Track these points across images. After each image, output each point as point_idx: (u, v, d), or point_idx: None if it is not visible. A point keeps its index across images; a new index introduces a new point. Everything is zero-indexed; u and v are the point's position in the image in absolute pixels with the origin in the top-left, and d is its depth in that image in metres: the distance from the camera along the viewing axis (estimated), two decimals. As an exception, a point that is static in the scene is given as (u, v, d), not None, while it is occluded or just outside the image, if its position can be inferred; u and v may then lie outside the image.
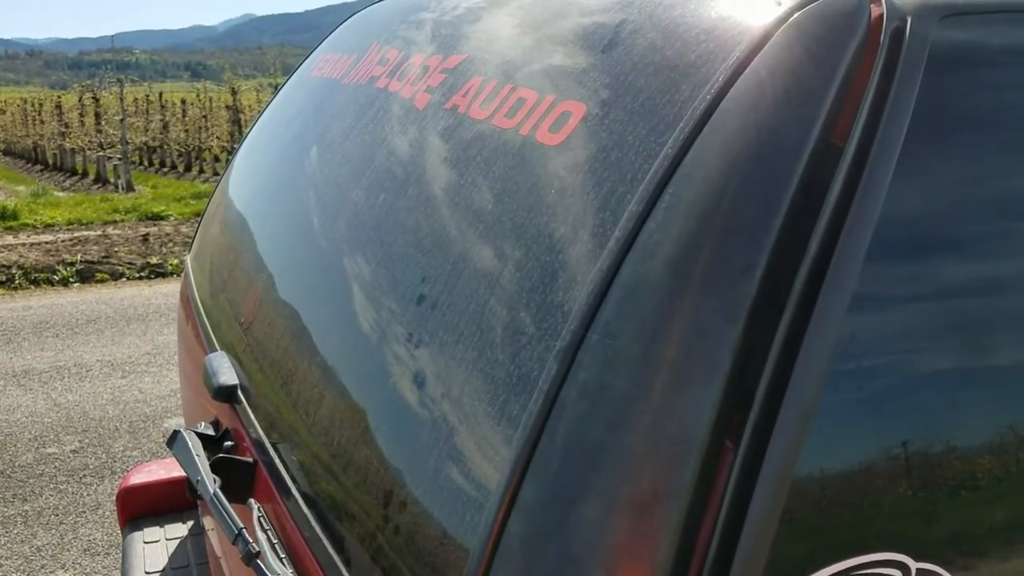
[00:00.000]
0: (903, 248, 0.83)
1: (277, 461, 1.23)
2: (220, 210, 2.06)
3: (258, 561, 1.04)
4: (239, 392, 1.42)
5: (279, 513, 1.19)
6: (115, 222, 12.30)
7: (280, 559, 1.05)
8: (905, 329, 0.83)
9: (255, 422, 1.34)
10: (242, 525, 1.09)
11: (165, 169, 27.08)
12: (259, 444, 1.31)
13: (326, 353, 1.25)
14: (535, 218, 0.94)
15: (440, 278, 1.02)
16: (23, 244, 10.40)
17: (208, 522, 1.92)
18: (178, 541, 2.25)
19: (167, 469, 2.43)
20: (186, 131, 26.64)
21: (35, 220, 12.00)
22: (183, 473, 2.38)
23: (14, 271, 9.27)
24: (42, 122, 29.72)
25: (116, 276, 9.47)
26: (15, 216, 12.24)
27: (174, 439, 1.32)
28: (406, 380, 1.00)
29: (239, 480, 1.28)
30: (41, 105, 30.43)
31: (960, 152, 0.87)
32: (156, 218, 12.50)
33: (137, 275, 9.49)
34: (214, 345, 1.65)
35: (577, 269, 0.86)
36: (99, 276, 9.43)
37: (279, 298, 1.47)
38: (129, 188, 18.67)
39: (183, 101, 28.71)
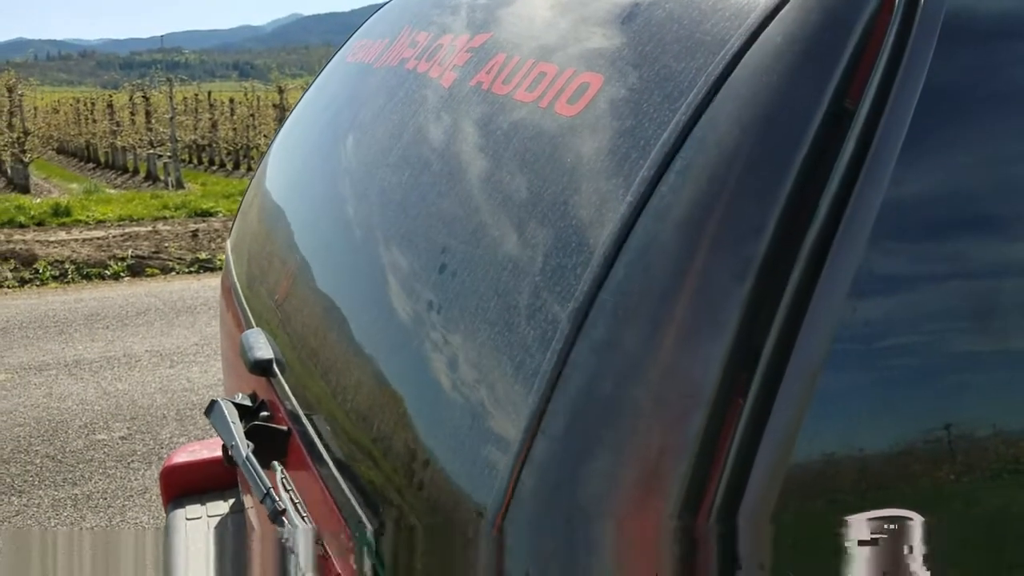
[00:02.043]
0: (911, 214, 0.84)
1: (310, 429, 1.27)
2: (257, 195, 2.11)
3: (283, 517, 1.08)
4: (274, 365, 1.46)
5: (310, 476, 1.23)
6: (165, 218, 12.53)
7: (303, 517, 1.09)
8: (913, 291, 0.84)
9: (289, 393, 1.38)
10: (271, 485, 1.13)
11: (214, 167, 27.52)
12: (292, 414, 1.35)
13: (354, 324, 1.28)
14: (552, 186, 0.96)
15: (461, 246, 1.05)
16: (76, 240, 10.64)
17: (249, 500, 1.97)
18: (219, 518, 2.31)
19: (210, 449, 2.49)
20: (234, 129, 27.05)
21: (87, 216, 12.27)
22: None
23: (67, 266, 9.50)
24: (94, 121, 30.36)
25: (166, 271, 9.65)
26: (68, 212, 12.53)
27: (212, 408, 1.37)
28: (428, 345, 1.03)
29: (273, 447, 1.32)
30: (93, 104, 31.08)
31: (973, 123, 0.87)
32: (205, 214, 12.70)
33: (186, 270, 9.66)
34: (251, 323, 1.70)
35: (591, 233, 0.88)
36: (149, 271, 9.62)
37: (311, 275, 1.52)
38: (179, 185, 19.00)
39: (231, 100, 29.16)
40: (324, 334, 1.36)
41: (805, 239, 0.80)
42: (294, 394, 1.37)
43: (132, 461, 4.58)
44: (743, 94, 0.85)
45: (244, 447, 1.23)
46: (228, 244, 2.26)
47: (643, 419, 0.79)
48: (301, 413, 1.32)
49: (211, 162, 28.30)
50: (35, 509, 4.11)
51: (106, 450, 4.72)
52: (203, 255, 10.08)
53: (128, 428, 5.02)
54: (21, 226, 11.72)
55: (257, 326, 1.64)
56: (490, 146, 1.10)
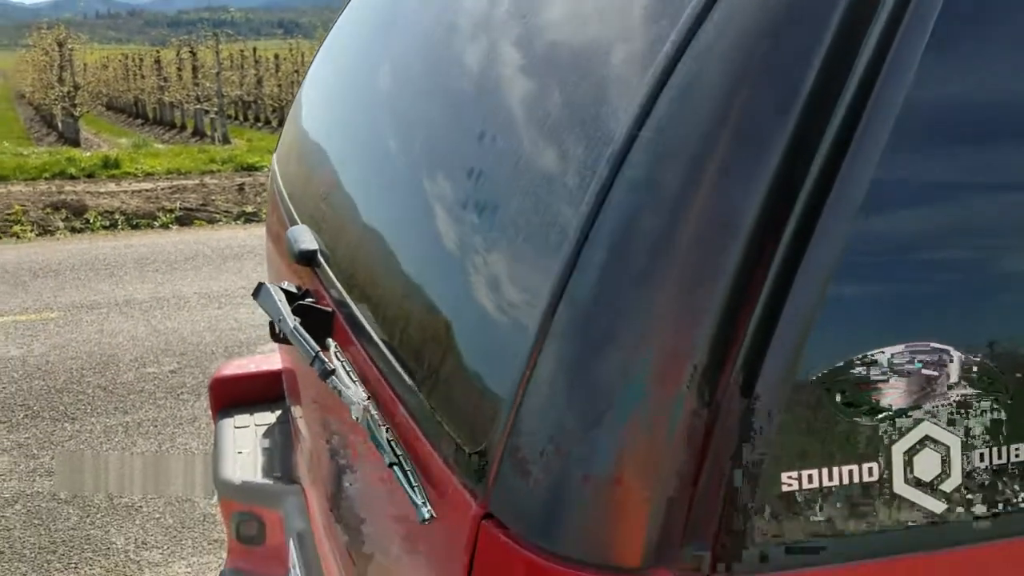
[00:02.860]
0: (931, 111, 0.82)
1: (353, 309, 1.30)
2: (298, 107, 2.15)
3: (333, 377, 1.11)
4: (318, 255, 1.49)
5: (354, 353, 1.26)
6: (212, 172, 12.69)
7: (351, 379, 1.12)
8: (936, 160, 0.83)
9: (333, 280, 1.41)
10: (319, 349, 1.16)
11: (259, 123, 27.72)
12: (336, 300, 1.38)
13: (392, 215, 1.31)
14: (595, 32, 0.96)
15: (500, 108, 1.06)
16: (125, 191, 10.83)
17: (296, 410, 2.01)
18: (266, 427, 2.36)
19: (257, 364, 2.55)
20: (279, 86, 27.16)
21: (136, 169, 12.46)
22: (272, 367, 2.51)
23: (117, 216, 9.68)
24: (142, 77, 30.67)
25: (213, 222, 9.79)
26: (117, 165, 12.74)
27: (259, 289, 1.40)
28: (467, 207, 1.05)
29: (317, 327, 1.35)
30: (141, 60, 31.38)
31: (1004, 21, 0.85)
32: (251, 169, 12.84)
33: (233, 222, 9.80)
34: (296, 222, 1.73)
35: (632, 75, 0.88)
36: (197, 223, 9.77)
37: (349, 175, 1.55)
38: (225, 141, 19.18)
39: (276, 56, 29.25)
40: (364, 230, 1.40)
41: (853, 70, 0.80)
42: (337, 280, 1.39)
43: (181, 393, 4.69)
44: None
45: (291, 319, 1.26)
46: (273, 157, 2.29)
47: (680, 254, 0.80)
48: (344, 296, 1.34)
49: (256, 118, 28.49)
50: (87, 435, 4.24)
51: (156, 382, 4.84)
52: (249, 208, 10.21)
53: (177, 363, 5.13)
54: (72, 178, 11.94)
55: (301, 222, 1.67)
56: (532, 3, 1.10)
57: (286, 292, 1.43)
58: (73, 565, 3.23)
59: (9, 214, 9.43)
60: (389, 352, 1.14)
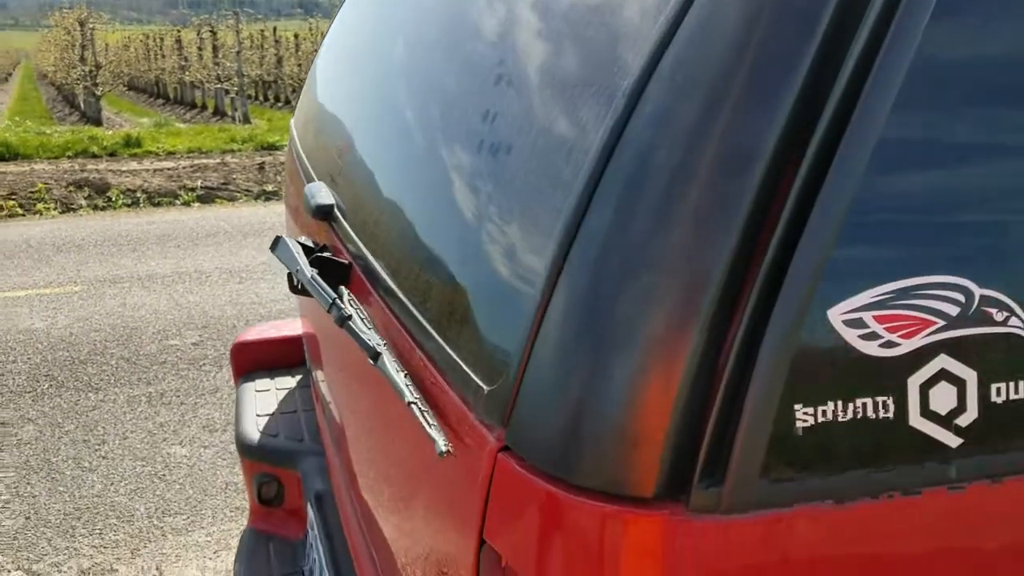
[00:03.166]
0: (953, 37, 0.81)
1: (370, 260, 1.31)
2: (314, 71, 2.16)
3: (350, 323, 1.11)
4: (335, 210, 1.50)
5: (371, 303, 1.27)
6: (233, 151, 12.73)
7: (367, 325, 1.13)
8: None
9: (350, 232, 1.41)
10: (336, 296, 1.17)
11: (280, 103, 27.75)
12: (352, 253, 1.39)
13: (405, 165, 1.32)
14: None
15: (516, 52, 1.06)
16: (147, 170, 10.89)
17: (317, 374, 2.03)
18: (287, 391, 2.38)
19: (278, 329, 2.57)
20: (299, 66, 27.15)
21: (158, 148, 12.52)
22: (292, 333, 2.53)
23: (139, 195, 9.74)
24: (163, 56, 30.76)
25: (233, 201, 9.84)
26: (139, 143, 12.80)
27: (276, 242, 1.41)
28: (482, 149, 1.05)
29: (334, 278, 1.35)
30: (162, 40, 31.46)
31: None
32: (271, 148, 12.87)
33: (254, 201, 9.84)
34: (313, 179, 1.74)
35: (650, 7, 0.88)
36: (218, 201, 9.82)
37: (363, 128, 1.55)
38: (246, 120, 19.22)
39: (296, 36, 29.24)
40: (377, 179, 1.40)
41: (872, 1, 0.79)
42: (353, 232, 1.40)
43: (204, 364, 4.74)
44: None
45: (309, 269, 1.27)
46: (292, 121, 2.30)
47: (696, 187, 0.80)
48: (361, 247, 1.35)
49: (276, 98, 28.52)
50: (111, 404, 4.29)
51: (179, 354, 4.88)
52: (269, 187, 10.24)
53: (199, 335, 5.17)
54: (94, 156, 12.02)
55: (318, 179, 1.68)
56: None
57: (303, 246, 1.44)
58: (97, 531, 3.27)
59: (32, 192, 9.51)
60: (406, 298, 1.15)
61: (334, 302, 1.15)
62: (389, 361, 1.06)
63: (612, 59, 0.89)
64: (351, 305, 1.21)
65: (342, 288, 1.23)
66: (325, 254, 1.45)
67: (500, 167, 1.00)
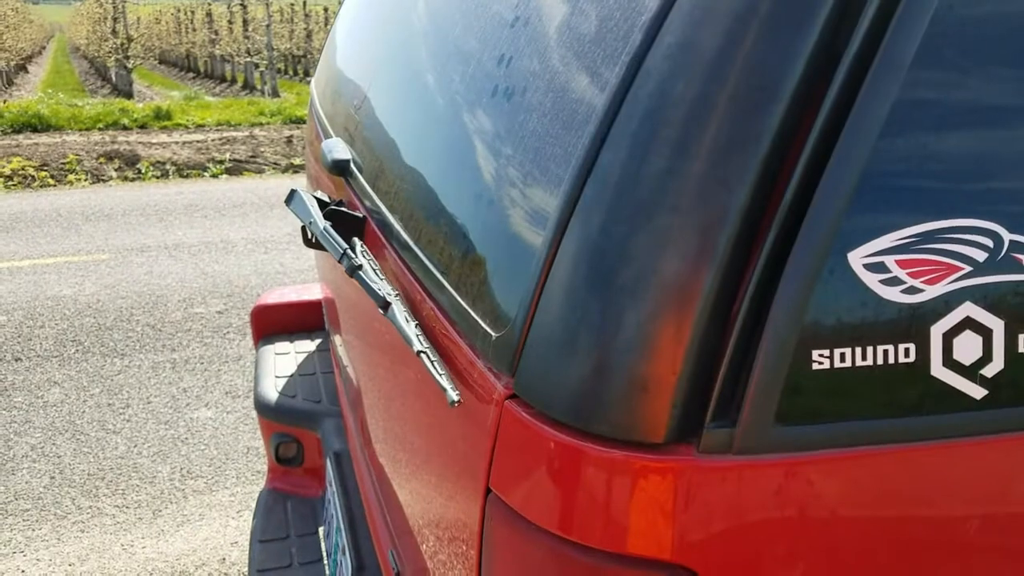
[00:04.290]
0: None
1: (384, 213, 1.29)
2: (334, 31, 2.14)
3: (360, 272, 1.10)
4: (351, 165, 1.48)
5: (385, 256, 1.25)
6: (261, 124, 12.76)
7: (378, 276, 1.11)
8: None
9: (364, 186, 1.40)
10: (347, 246, 1.15)
11: (308, 78, 27.76)
12: (368, 207, 1.37)
13: (419, 115, 1.29)
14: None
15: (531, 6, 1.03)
16: (176, 142, 10.94)
17: (336, 338, 2.02)
18: (306, 354, 2.38)
19: (298, 293, 2.56)
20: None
21: (187, 121, 12.57)
22: (312, 297, 2.52)
23: (168, 167, 9.78)
24: (194, 30, 30.85)
25: (261, 173, 9.86)
26: (169, 116, 12.86)
27: (292, 196, 1.39)
28: (495, 95, 1.02)
29: (348, 231, 1.34)
30: (193, 14, 31.55)
31: None
32: (299, 121, 12.89)
33: (281, 173, 9.86)
34: (331, 135, 1.72)
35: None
36: (245, 174, 9.85)
37: (378, 84, 1.53)
38: (275, 94, 19.25)
39: (326, 10, 29.21)
40: (391, 131, 1.38)
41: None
42: (368, 185, 1.38)
43: (228, 332, 4.76)
44: None
45: (322, 221, 1.26)
46: (312, 82, 2.29)
47: (716, 121, 0.77)
48: (375, 200, 1.33)
49: (306, 72, 28.53)
50: (136, 370, 4.32)
51: (203, 322, 4.91)
52: (297, 160, 10.25)
53: (224, 304, 5.19)
54: (125, 128, 12.09)
55: (336, 135, 1.66)
56: None
57: (318, 200, 1.42)
58: (120, 491, 3.30)
59: (64, 163, 9.59)
60: (418, 248, 1.13)
61: (345, 252, 1.13)
62: (399, 311, 1.04)
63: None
64: (363, 256, 1.19)
65: (355, 240, 1.21)
66: (340, 208, 1.44)
67: (513, 111, 0.97)
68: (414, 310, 1.10)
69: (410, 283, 1.13)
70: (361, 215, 1.37)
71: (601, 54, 0.86)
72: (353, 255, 1.12)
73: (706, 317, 0.76)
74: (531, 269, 0.84)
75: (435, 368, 0.97)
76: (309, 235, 1.37)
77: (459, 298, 0.98)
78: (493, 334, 0.89)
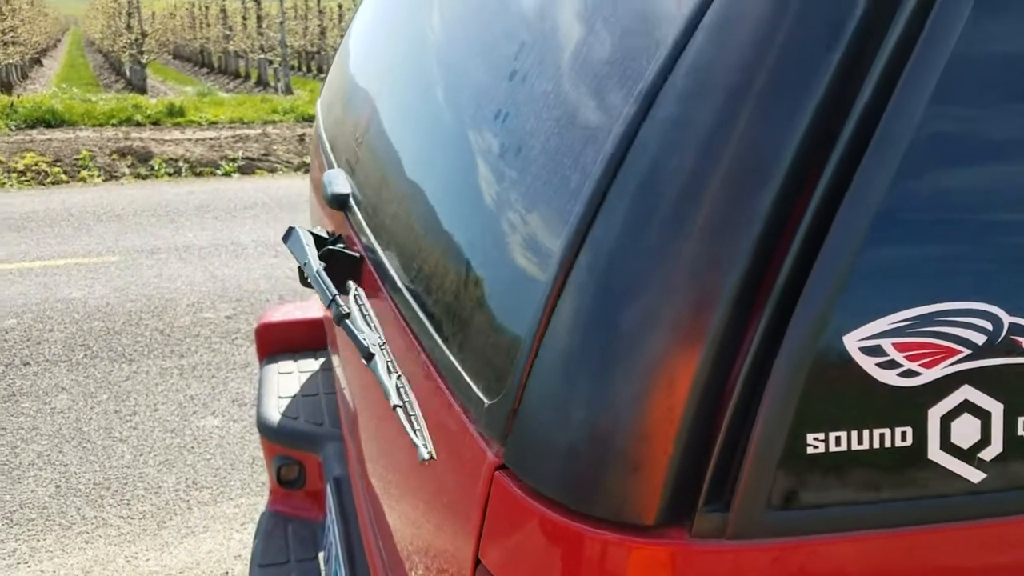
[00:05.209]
0: (983, 52, 0.76)
1: (380, 255, 1.28)
2: (340, 56, 2.13)
3: (347, 320, 1.09)
4: (351, 200, 1.47)
5: (379, 300, 1.24)
6: (274, 122, 12.77)
7: (367, 322, 1.10)
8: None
9: (363, 224, 1.39)
10: (337, 293, 1.14)
11: (322, 75, 27.79)
12: (364, 245, 1.36)
13: (418, 161, 1.28)
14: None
15: (531, 49, 1.01)
16: (189, 139, 10.96)
17: (335, 359, 2.01)
18: (309, 374, 2.37)
19: (303, 310, 2.56)
20: (342, 37, 27.14)
21: (200, 117, 12.59)
22: (317, 314, 2.52)
23: (180, 164, 9.81)
24: (208, 26, 30.93)
25: (273, 172, 9.88)
26: (182, 113, 12.88)
27: (289, 233, 1.39)
28: (493, 151, 1.01)
29: (344, 272, 1.33)
30: (207, 9, 31.62)
31: None
32: (312, 119, 12.87)
33: (293, 172, 9.87)
34: (333, 165, 1.71)
35: (666, 9, 0.83)
36: (258, 172, 9.87)
37: (381, 119, 1.52)
38: (288, 91, 19.28)
39: (339, 7, 29.23)
40: (395, 173, 1.37)
41: (901, 8, 0.74)
42: (366, 225, 1.37)
43: (236, 338, 4.76)
44: None
45: (316, 263, 1.25)
46: (318, 103, 2.28)
47: (709, 198, 0.75)
48: (372, 241, 1.32)
49: (319, 69, 28.57)
50: (143, 376, 4.33)
51: (212, 327, 4.91)
52: (309, 159, 10.25)
53: (233, 309, 5.20)
54: (138, 124, 12.12)
55: (338, 166, 1.65)
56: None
57: (316, 237, 1.41)
58: (125, 502, 3.31)
59: (77, 159, 9.62)
60: (411, 298, 1.12)
61: (333, 299, 1.12)
62: (382, 363, 1.03)
63: (625, 61, 0.84)
64: (355, 301, 1.18)
65: (350, 283, 1.20)
66: (338, 246, 1.43)
67: (509, 171, 0.96)
68: (406, 360, 1.09)
69: (403, 332, 1.12)
70: (358, 255, 1.36)
71: (596, 119, 0.85)
72: (340, 303, 1.11)
73: (698, 398, 0.75)
74: (523, 339, 0.83)
75: (410, 424, 0.96)
76: (305, 275, 1.36)
77: (452, 358, 0.97)
78: (486, 400, 0.88)
